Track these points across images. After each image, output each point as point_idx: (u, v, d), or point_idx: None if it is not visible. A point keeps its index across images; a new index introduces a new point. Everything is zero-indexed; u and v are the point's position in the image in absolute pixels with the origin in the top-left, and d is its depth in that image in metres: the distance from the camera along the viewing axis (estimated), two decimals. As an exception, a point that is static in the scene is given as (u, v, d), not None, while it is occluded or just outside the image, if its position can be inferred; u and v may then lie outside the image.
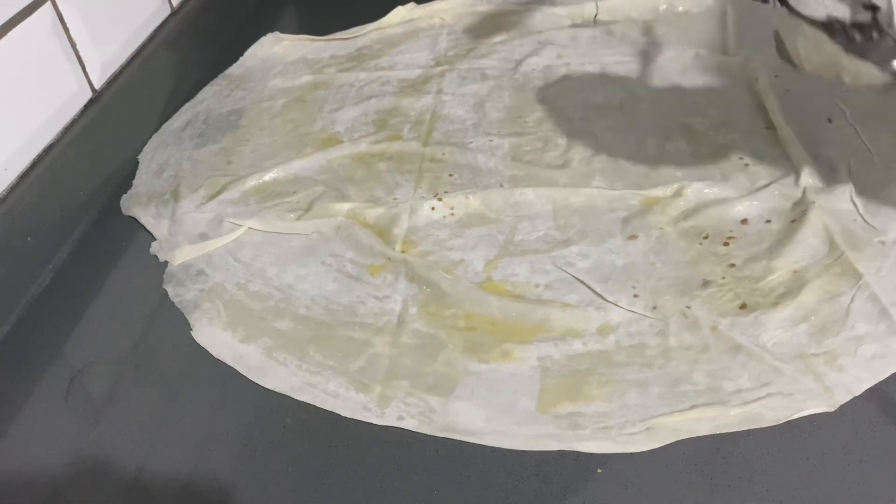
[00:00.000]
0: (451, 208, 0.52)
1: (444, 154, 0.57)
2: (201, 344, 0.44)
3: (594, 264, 0.47)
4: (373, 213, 0.52)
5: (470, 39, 0.72)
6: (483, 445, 0.37)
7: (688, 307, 0.43)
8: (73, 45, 0.56)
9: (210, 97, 0.68)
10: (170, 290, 0.48)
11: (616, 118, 0.59)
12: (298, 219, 0.52)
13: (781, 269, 0.45)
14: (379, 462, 0.37)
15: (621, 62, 0.66)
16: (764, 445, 0.36)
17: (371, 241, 0.50)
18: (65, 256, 0.52)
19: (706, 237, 0.48)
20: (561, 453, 0.37)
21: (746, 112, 0.58)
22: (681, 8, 0.72)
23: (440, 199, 0.52)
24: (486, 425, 0.38)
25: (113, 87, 0.60)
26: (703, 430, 0.37)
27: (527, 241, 0.49)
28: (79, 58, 0.57)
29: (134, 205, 0.56)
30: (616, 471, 0.36)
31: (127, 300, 0.48)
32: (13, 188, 0.50)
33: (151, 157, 0.61)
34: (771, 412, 0.37)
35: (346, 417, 0.39)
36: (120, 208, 0.56)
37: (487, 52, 0.69)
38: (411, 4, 0.76)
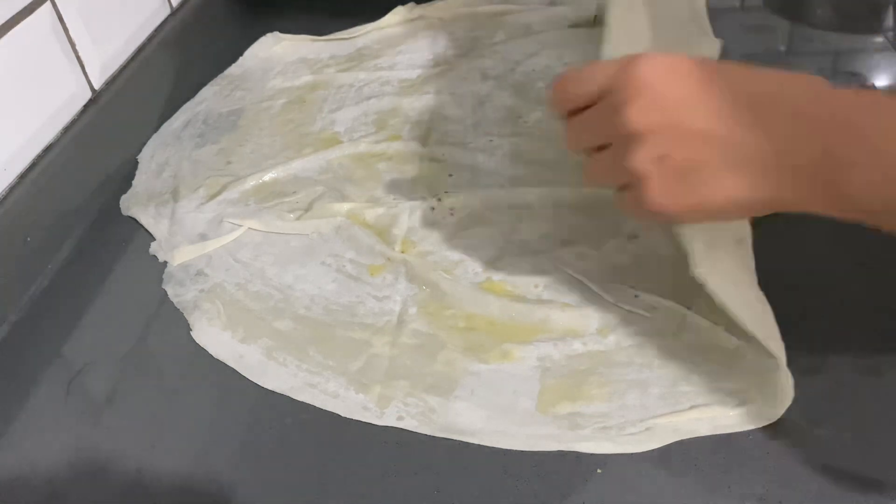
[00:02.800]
0: (451, 208, 0.52)
1: (443, 154, 0.57)
2: (201, 344, 0.44)
3: (594, 264, 0.47)
4: (373, 213, 0.52)
5: (470, 39, 0.72)
6: (483, 445, 0.37)
7: (688, 308, 0.43)
8: (73, 45, 0.56)
9: (210, 97, 0.68)
10: (169, 290, 0.48)
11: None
12: (298, 219, 0.52)
13: (781, 269, 0.45)
14: (379, 462, 0.37)
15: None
16: (764, 445, 0.36)
17: (371, 242, 0.50)
18: (65, 256, 0.52)
19: (706, 237, 0.48)
20: (561, 453, 0.37)
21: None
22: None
23: (440, 200, 0.52)
24: (485, 425, 0.38)
25: (112, 88, 0.60)
26: (703, 430, 0.37)
27: (527, 241, 0.49)
28: (78, 58, 0.57)
29: (133, 205, 0.56)
30: (616, 471, 0.36)
31: (127, 300, 0.48)
32: (13, 188, 0.50)
33: (151, 157, 0.61)
34: (771, 412, 0.37)
35: (345, 418, 0.39)
36: (120, 208, 0.56)
37: (487, 52, 0.69)
38: (411, 4, 0.76)
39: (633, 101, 0.35)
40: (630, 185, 0.36)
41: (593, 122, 0.37)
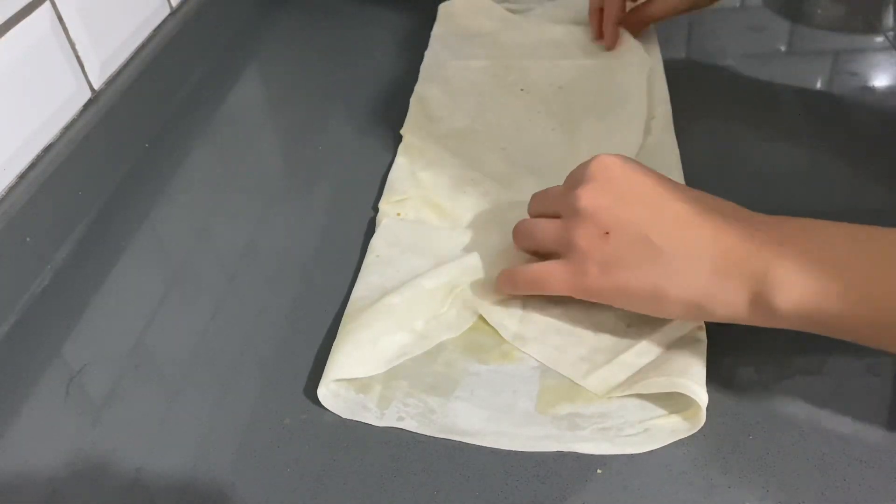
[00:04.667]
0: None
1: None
2: (201, 344, 0.44)
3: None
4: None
5: None
6: (483, 446, 0.37)
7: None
8: (72, 44, 0.56)
9: None
10: None
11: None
12: None
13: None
14: (379, 462, 0.37)
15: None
16: (764, 445, 0.36)
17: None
18: (64, 256, 0.52)
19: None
20: (561, 454, 0.37)
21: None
22: None
23: None
24: (485, 426, 0.38)
25: (112, 88, 0.60)
26: (702, 430, 0.37)
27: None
28: (78, 58, 0.57)
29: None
30: (616, 471, 0.36)
31: (127, 300, 0.48)
32: (12, 188, 0.50)
33: None
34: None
35: (345, 418, 0.39)
36: (119, 208, 0.56)
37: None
38: None
39: (590, 182, 0.40)
40: (563, 256, 0.40)
41: (551, 198, 0.43)
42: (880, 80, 0.63)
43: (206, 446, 0.39)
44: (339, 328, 0.43)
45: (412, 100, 0.63)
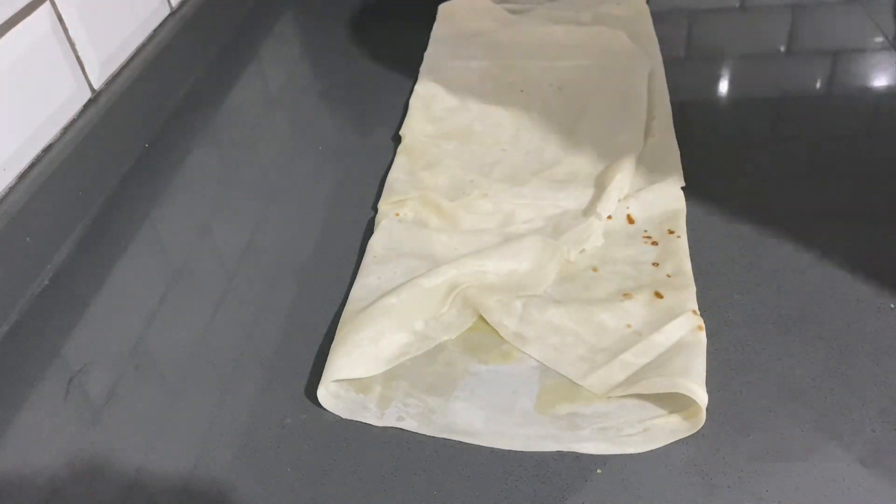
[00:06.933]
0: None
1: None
2: (201, 344, 0.44)
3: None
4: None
5: None
6: (483, 446, 0.37)
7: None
8: (72, 45, 0.56)
9: None
10: None
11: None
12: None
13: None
14: (378, 462, 0.37)
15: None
16: (764, 445, 0.36)
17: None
18: (64, 256, 0.52)
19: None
20: (560, 454, 0.37)
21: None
22: None
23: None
24: (485, 426, 0.38)
25: (112, 87, 0.60)
26: (702, 430, 0.37)
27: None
28: (77, 58, 0.57)
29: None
30: (616, 471, 0.36)
31: (127, 300, 0.48)
32: (12, 188, 0.50)
33: None
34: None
35: (345, 418, 0.39)
36: (119, 208, 0.56)
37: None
38: None
39: None
40: None
41: None
42: (880, 80, 0.63)
43: (205, 446, 0.39)
44: (337, 330, 0.43)
45: (412, 100, 0.63)
